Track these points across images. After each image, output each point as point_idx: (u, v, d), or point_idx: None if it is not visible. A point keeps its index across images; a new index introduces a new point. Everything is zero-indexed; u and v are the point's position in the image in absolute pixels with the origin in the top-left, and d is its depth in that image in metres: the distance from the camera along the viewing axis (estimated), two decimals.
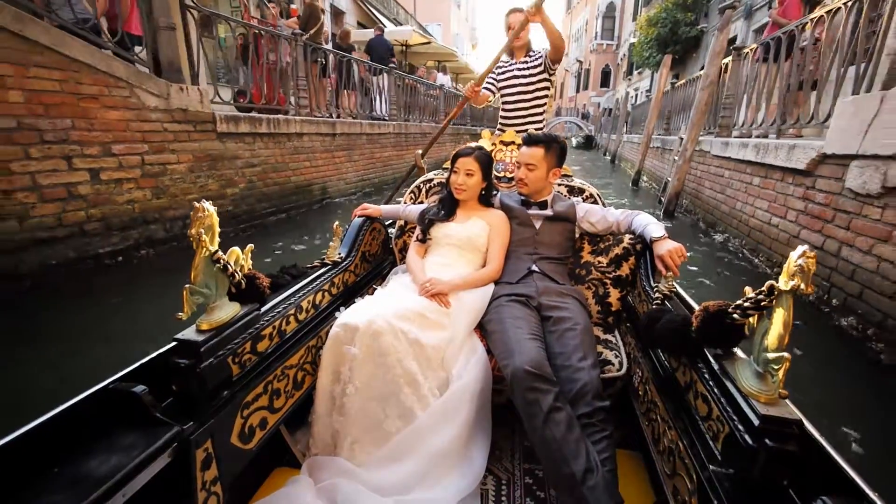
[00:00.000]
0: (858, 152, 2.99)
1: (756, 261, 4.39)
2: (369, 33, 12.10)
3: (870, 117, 2.91)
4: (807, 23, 4.28)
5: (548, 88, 2.75)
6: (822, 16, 3.99)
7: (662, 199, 7.03)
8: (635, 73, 25.73)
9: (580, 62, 41.19)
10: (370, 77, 8.70)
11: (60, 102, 3.44)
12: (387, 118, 9.36)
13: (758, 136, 5.14)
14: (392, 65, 9.55)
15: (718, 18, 6.48)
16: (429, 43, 14.94)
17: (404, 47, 14.30)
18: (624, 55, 29.10)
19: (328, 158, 7.00)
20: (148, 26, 4.20)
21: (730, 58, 6.09)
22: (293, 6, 9.01)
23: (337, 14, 14.69)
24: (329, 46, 7.63)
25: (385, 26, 16.22)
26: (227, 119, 4.91)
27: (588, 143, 27.95)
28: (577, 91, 41.49)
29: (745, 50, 5.80)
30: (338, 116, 7.35)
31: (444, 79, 14.49)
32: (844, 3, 3.65)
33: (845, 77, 3.61)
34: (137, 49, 4.20)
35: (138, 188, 4.06)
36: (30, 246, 3.29)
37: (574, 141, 29.18)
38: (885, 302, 2.66)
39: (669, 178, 6.88)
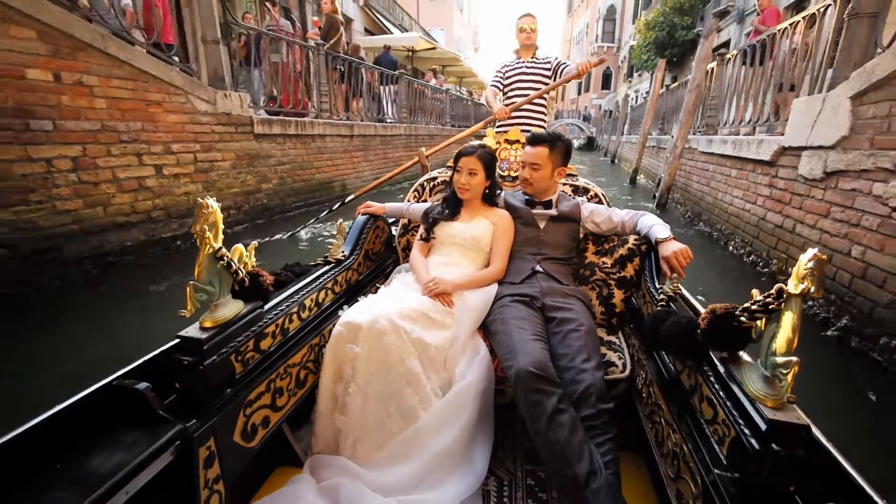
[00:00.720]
0: (807, 144, 3.61)
1: (730, 246, 5.00)
2: (377, 41, 12.80)
3: (815, 114, 3.53)
4: (775, 33, 4.91)
5: (553, 97, 3.23)
6: (786, 28, 4.62)
7: (656, 193, 7.65)
8: (635, 75, 26.37)
9: None
10: (377, 84, 9.36)
11: (133, 108, 4.09)
12: (394, 121, 10.02)
13: (737, 134, 5.76)
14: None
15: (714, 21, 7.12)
16: (433, 48, 15.61)
17: (410, 53, 14.96)
18: (624, 57, 29.75)
19: (347, 158, 7.66)
20: (196, 40, 4.85)
21: (714, 63, 6.72)
22: (315, 18, 9.68)
23: (346, 21, 15.41)
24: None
25: (391, 32, 16.95)
26: (262, 122, 5.57)
27: (590, 145, 28.58)
28: (579, 93, 42.12)
29: (728, 55, 6.42)
30: (348, 119, 8.01)
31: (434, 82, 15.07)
32: (804, 17, 4.29)
33: (803, 81, 4.24)
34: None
35: (192, 182, 4.72)
36: (111, 229, 3.94)
37: (575, 143, 29.80)
38: (762, 240, 3.28)
39: (662, 174, 7.50)
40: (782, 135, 4.11)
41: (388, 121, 9.80)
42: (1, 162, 3.17)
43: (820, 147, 3.46)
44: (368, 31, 16.46)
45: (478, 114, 16.64)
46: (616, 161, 17.55)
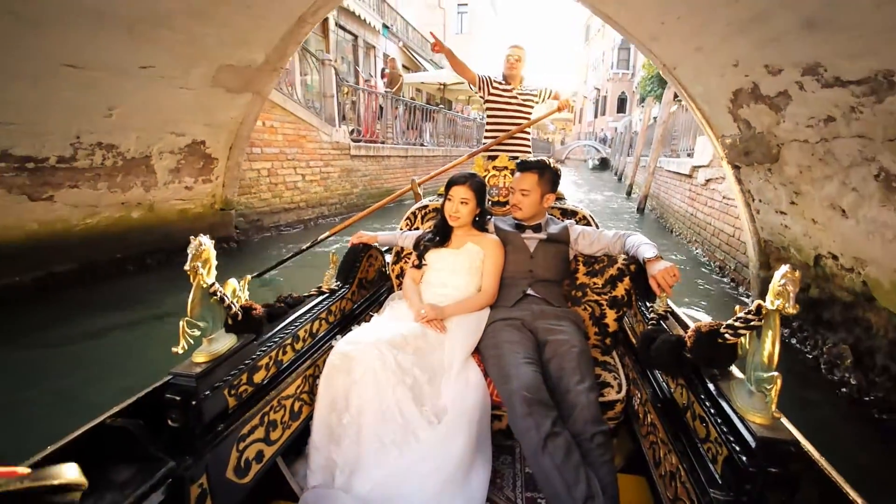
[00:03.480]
0: (700, 164, 6.26)
1: (675, 234, 7.60)
2: (417, 78, 15.87)
3: (703, 147, 6.18)
4: None
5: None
6: None
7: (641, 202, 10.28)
8: (648, 99, 29.09)
9: (598, 89, 44.79)
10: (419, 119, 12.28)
11: (293, 139, 6.96)
12: (433, 145, 12.90)
13: (678, 157, 8.42)
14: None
15: None
16: (462, 83, 18.66)
17: (442, 86, 18.03)
18: (637, 84, 32.58)
19: (403, 172, 10.53)
20: (321, 95, 7.77)
21: (675, 106, 9.42)
22: (385, 70, 12.73)
23: (388, 59, 18.59)
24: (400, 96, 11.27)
25: (425, 67, 20.10)
26: (355, 146, 8.45)
27: (604, 165, 31.14)
28: (595, 116, 44.98)
29: (681, 100, 9.12)
30: (404, 144, 10.92)
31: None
32: None
33: None
34: None
35: (318, 185, 7.57)
36: (281, 211, 6.77)
37: (590, 163, 32.44)
38: (707, 236, 5.89)
39: (642, 187, 10.14)
40: (692, 158, 6.78)
41: (428, 145, 12.69)
42: (241, 170, 6.02)
43: (702, 166, 6.11)
44: (405, 67, 19.63)
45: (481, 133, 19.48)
46: (622, 179, 20.20)
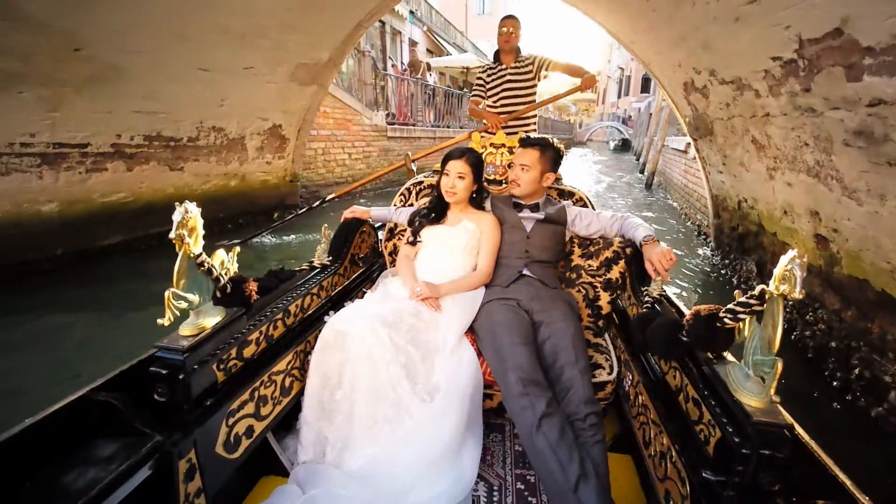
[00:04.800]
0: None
1: (674, 204, 8.76)
2: (443, 62, 17.04)
3: None
4: None
5: (535, 92, 3.14)
6: None
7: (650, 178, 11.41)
8: None
9: (622, 69, 44.86)
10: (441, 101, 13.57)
11: (342, 123, 8.36)
12: (456, 127, 14.17)
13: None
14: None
15: None
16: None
17: (466, 70, 19.15)
18: None
19: None
20: (361, 83, 9.14)
21: None
22: (406, 61, 14.02)
23: (412, 44, 19.77)
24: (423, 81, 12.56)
25: (448, 51, 21.21)
26: (391, 129, 9.82)
27: (625, 147, 31.78)
28: (619, 97, 45.13)
29: None
30: (432, 126, 12.25)
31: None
32: None
33: None
34: None
35: (361, 162, 8.99)
36: (332, 185, 8.21)
37: (611, 144, 33.09)
38: (692, 201, 7.08)
39: (650, 163, 11.25)
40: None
41: (453, 128, 13.97)
42: (305, 149, 7.44)
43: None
44: (429, 51, 20.78)
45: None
46: (639, 158, 21.10)
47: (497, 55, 3.19)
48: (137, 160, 4.82)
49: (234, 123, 5.74)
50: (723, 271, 4.71)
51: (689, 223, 7.12)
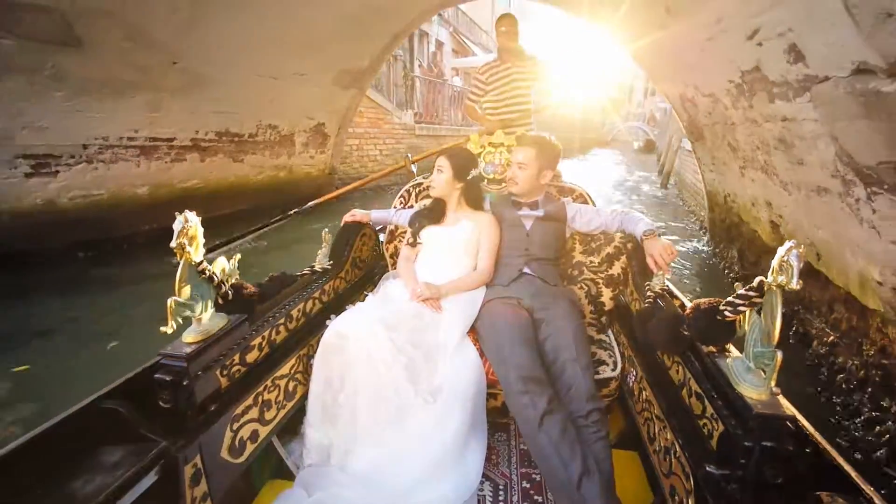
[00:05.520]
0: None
1: (685, 202, 9.37)
2: (467, 63, 17.82)
3: None
4: None
5: (534, 91, 3.21)
6: None
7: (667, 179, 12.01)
8: None
9: None
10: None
11: (374, 122, 9.24)
12: (478, 126, 14.97)
13: None
14: None
15: None
16: None
17: None
18: None
19: None
20: (391, 84, 9.99)
21: None
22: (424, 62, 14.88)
23: (439, 45, 20.59)
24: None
25: (474, 51, 21.97)
26: (419, 127, 10.66)
27: (649, 147, 31.82)
28: (645, 96, 45.06)
29: None
30: (457, 125, 13.05)
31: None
32: None
33: None
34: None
35: (390, 158, 9.86)
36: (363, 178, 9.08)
37: (635, 145, 33.24)
38: (698, 199, 7.73)
39: (666, 163, 11.84)
40: None
41: (475, 126, 14.76)
42: (343, 145, 8.32)
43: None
44: (455, 52, 21.57)
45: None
46: (660, 159, 21.50)
47: (500, 54, 3.21)
48: (209, 153, 5.76)
49: (286, 122, 6.65)
50: (714, 259, 5.43)
51: (693, 218, 7.74)
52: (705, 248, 5.92)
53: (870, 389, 2.38)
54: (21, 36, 3.47)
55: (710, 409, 1.07)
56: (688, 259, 5.64)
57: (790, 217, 3.11)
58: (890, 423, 2.17)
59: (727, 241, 5.03)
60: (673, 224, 7.62)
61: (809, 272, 3.03)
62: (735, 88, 3.10)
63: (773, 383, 0.93)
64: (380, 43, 6.76)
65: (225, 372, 1.25)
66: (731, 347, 1.13)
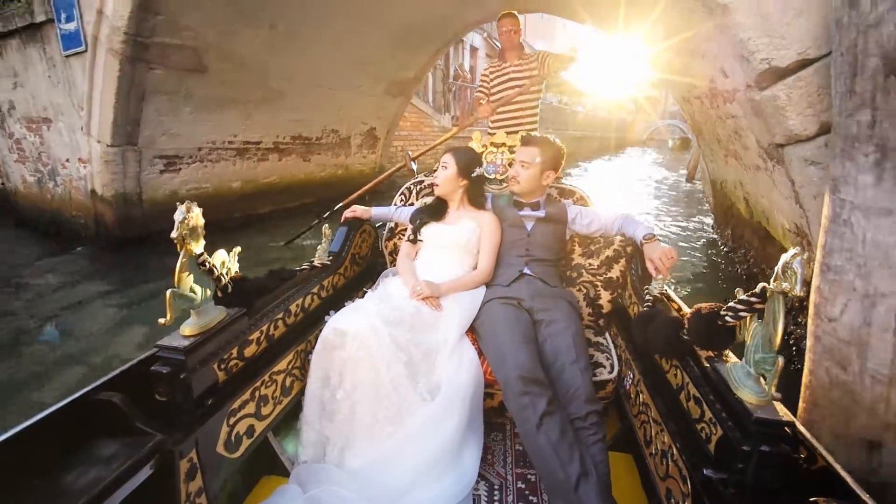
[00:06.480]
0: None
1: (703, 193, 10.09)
2: None
3: None
4: None
5: (540, 91, 3.26)
6: None
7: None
8: None
9: None
10: None
11: (416, 125, 10.42)
12: None
13: None
14: None
15: None
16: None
17: None
18: None
19: None
20: (433, 91, 11.14)
21: None
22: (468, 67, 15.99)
23: (473, 50, 21.66)
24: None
25: None
26: None
27: (685, 145, 31.92)
28: None
29: None
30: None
31: None
32: None
33: None
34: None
35: (430, 158, 10.97)
36: (405, 177, 10.25)
37: (670, 143, 33.35)
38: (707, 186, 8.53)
39: (691, 159, 12.52)
40: None
41: None
42: (390, 146, 9.48)
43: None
44: (489, 56, 22.58)
45: (565, 119, 21.95)
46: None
47: (501, 53, 3.29)
48: (285, 153, 7.03)
49: (345, 127, 7.87)
50: (714, 236, 6.33)
51: (707, 207, 8.48)
52: (712, 230, 6.77)
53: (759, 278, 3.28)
54: (169, 67, 4.77)
55: (708, 414, 1.08)
56: (694, 239, 6.54)
57: (751, 191, 3.99)
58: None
59: (725, 223, 5.86)
60: (686, 211, 8.40)
61: (762, 232, 3.94)
62: (710, 92, 4.02)
63: (773, 389, 0.94)
64: (424, 56, 7.91)
65: (222, 366, 1.27)
66: (730, 353, 1.14)
